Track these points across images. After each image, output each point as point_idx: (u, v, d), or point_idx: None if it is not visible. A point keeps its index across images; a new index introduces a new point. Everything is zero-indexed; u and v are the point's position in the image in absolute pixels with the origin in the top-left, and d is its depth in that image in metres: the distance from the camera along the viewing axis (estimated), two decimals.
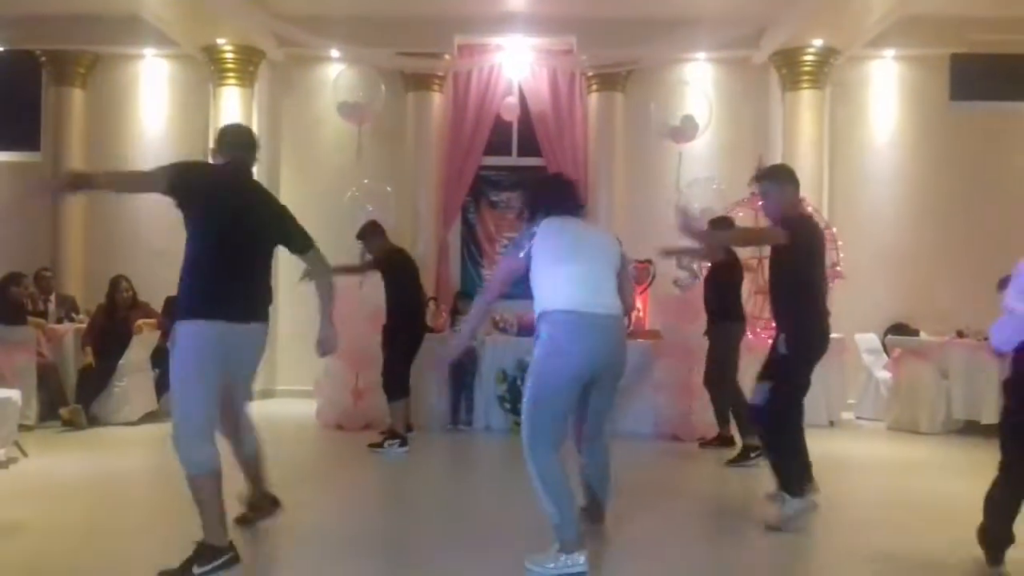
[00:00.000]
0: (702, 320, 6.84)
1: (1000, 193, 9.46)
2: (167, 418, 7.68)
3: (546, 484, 3.61)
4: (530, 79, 9.77)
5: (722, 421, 6.78)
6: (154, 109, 10.07)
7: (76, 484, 5.40)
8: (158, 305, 8.25)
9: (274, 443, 4.52)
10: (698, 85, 9.63)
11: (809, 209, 7.84)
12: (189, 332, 3.58)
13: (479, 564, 3.87)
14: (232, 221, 3.64)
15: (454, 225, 10.02)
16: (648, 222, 9.48)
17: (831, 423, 8.12)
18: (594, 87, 9.82)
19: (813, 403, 7.21)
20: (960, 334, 8.16)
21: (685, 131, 8.94)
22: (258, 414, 4.03)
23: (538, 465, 3.62)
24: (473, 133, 9.78)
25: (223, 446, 3.78)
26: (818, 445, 5.14)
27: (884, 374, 8.72)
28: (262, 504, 4.09)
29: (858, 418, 8.78)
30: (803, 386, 4.63)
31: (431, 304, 8.65)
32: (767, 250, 5.43)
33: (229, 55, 9.47)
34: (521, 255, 3.79)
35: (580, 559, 3.56)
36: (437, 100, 9.87)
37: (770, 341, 4.70)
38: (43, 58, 9.98)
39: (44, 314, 8.39)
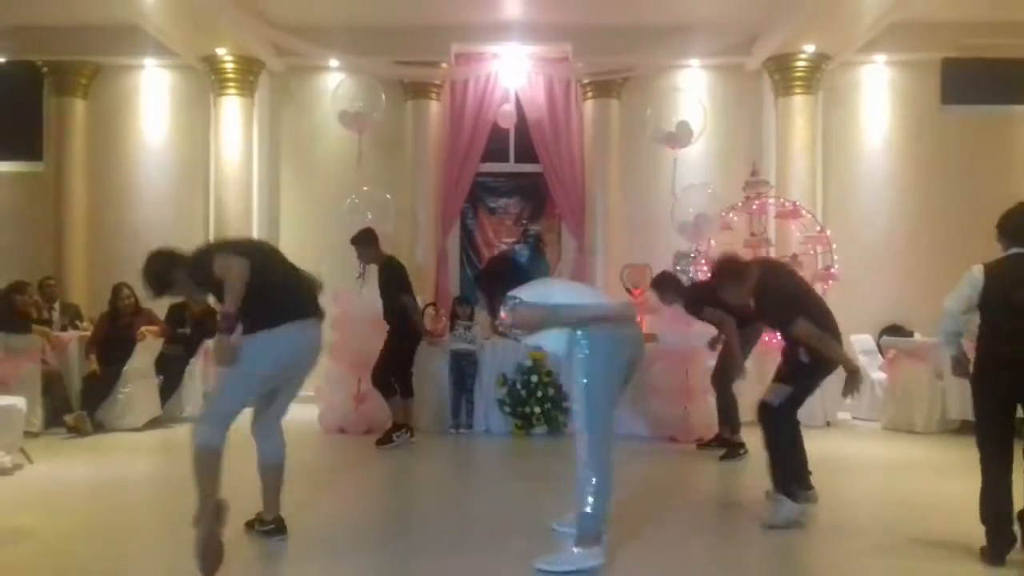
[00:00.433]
0: (698, 323, 6.90)
1: (992, 195, 9.45)
2: (171, 424, 7.88)
3: (608, 476, 3.81)
4: (526, 87, 9.86)
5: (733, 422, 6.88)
6: (155, 119, 10.16)
7: (81, 490, 5.46)
8: (161, 312, 8.32)
9: None
10: (692, 92, 9.72)
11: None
12: (269, 339, 3.88)
13: (480, 566, 3.93)
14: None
15: (453, 231, 10.10)
16: (644, 227, 9.60)
17: (827, 423, 8.19)
18: (590, 94, 9.91)
19: (809, 404, 7.25)
20: None
21: (680, 137, 9.03)
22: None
23: (607, 457, 3.82)
24: (471, 140, 9.86)
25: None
26: (814, 445, 5.21)
27: (879, 375, 8.79)
28: (270, 523, 4.18)
29: (854, 418, 8.84)
30: (812, 390, 4.89)
31: (430, 309, 8.71)
32: None
33: (229, 65, 9.56)
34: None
35: (598, 550, 3.76)
36: (435, 108, 9.95)
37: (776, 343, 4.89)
38: (45, 69, 10.07)
39: (48, 322, 8.45)
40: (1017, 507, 3.95)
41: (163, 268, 3.99)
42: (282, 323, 3.87)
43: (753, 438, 6.76)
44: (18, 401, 6.03)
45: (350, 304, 7.71)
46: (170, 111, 10.14)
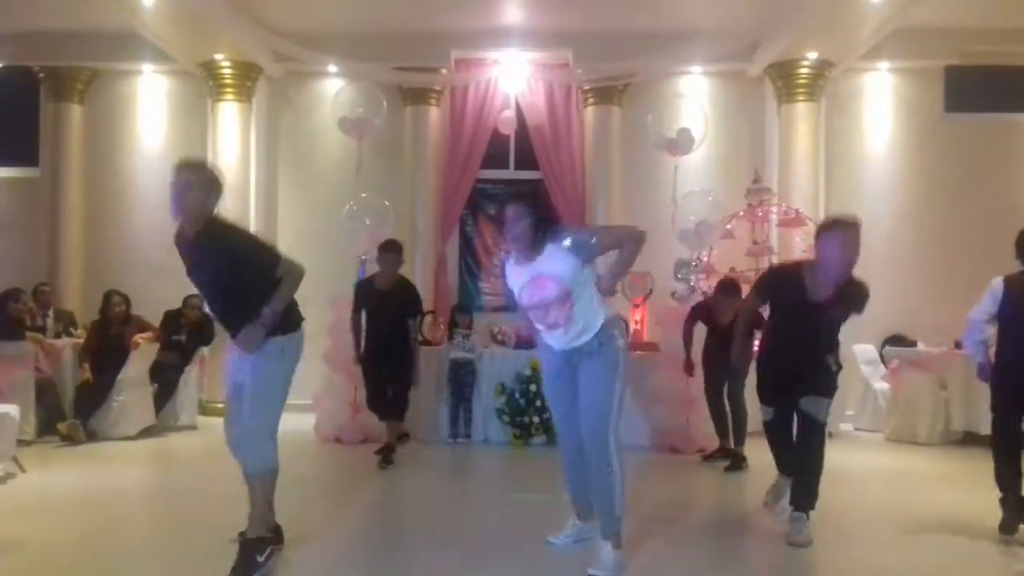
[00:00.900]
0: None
1: (996, 204, 9.48)
2: (165, 432, 7.80)
3: (623, 478, 3.87)
4: (527, 93, 9.81)
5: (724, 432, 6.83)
6: (152, 125, 10.11)
7: (74, 499, 5.38)
8: (156, 319, 8.26)
9: None
10: (694, 98, 9.67)
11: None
12: (299, 340, 3.97)
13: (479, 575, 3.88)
14: None
15: (452, 238, 10.04)
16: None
17: (830, 434, 8.02)
18: (590, 100, 9.86)
19: None
20: (958, 345, 8.14)
21: (681, 144, 8.97)
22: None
23: (621, 461, 3.86)
24: (470, 147, 9.81)
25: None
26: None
27: (882, 385, 8.73)
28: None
29: (856, 429, 8.78)
30: None
31: (428, 317, 8.65)
32: None
33: (227, 71, 9.51)
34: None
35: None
36: (434, 114, 9.90)
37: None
38: (42, 74, 10.02)
39: (43, 329, 8.40)
40: None
41: (217, 184, 3.90)
42: (301, 323, 4.00)
43: (755, 451, 6.72)
44: (11, 409, 5.97)
45: (347, 311, 7.62)
46: (167, 117, 10.09)
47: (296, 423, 8.15)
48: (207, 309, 4.14)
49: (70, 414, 7.68)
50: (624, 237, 3.97)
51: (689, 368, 6.90)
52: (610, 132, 9.82)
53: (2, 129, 10.28)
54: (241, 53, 9.34)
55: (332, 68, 9.67)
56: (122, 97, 10.18)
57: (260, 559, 3.74)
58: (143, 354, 7.87)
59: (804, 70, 9.31)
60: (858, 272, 4.55)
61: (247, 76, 9.64)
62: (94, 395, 7.62)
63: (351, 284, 7.30)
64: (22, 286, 8.28)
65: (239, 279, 3.78)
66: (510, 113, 9.66)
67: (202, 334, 8.37)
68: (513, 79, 9.77)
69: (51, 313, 8.77)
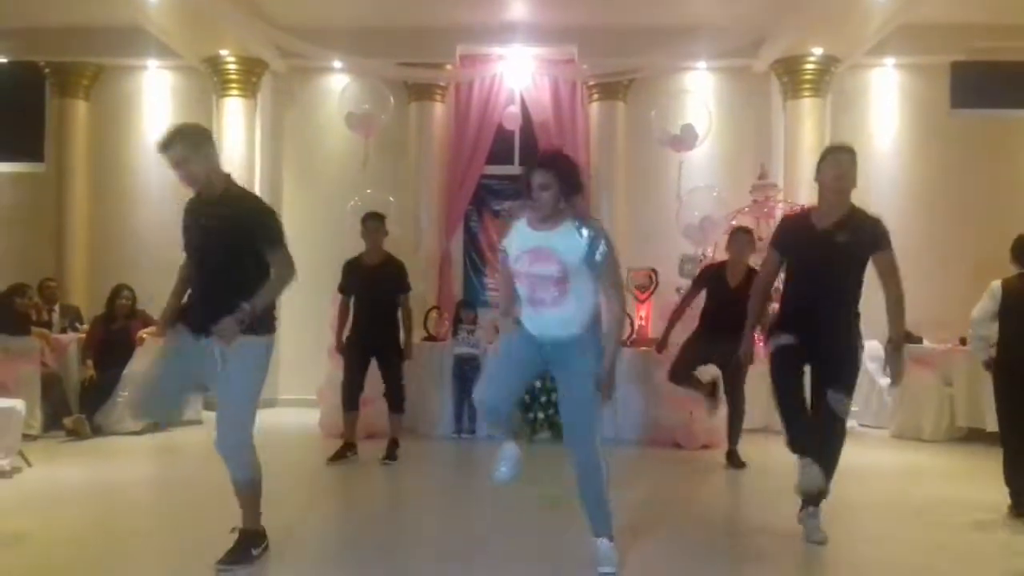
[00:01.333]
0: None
1: (1002, 200, 9.46)
2: (170, 427, 7.80)
3: (608, 475, 3.83)
4: (532, 88, 9.79)
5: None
6: (157, 120, 10.08)
7: (79, 494, 5.40)
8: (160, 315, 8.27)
9: (277, 452, 4.52)
10: (699, 94, 9.65)
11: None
12: (271, 345, 3.98)
13: (482, 572, 3.87)
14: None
15: (456, 234, 10.03)
16: (650, 230, 9.51)
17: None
18: (595, 96, 9.84)
19: None
20: (963, 341, 8.12)
21: (685, 140, 8.95)
22: (261, 423, 4.02)
23: (606, 460, 3.83)
24: (475, 142, 9.80)
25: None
26: None
27: (887, 382, 8.70)
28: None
29: (861, 425, 8.75)
30: None
31: (433, 313, 8.66)
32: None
33: (232, 66, 9.51)
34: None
35: None
36: (439, 110, 9.89)
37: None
38: (47, 70, 10.04)
39: (48, 324, 8.42)
40: None
41: (202, 136, 3.87)
42: (275, 329, 3.97)
43: (751, 448, 6.73)
44: (17, 404, 6.00)
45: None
46: (172, 112, 10.07)
47: (301, 418, 8.22)
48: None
49: (76, 409, 7.69)
50: (616, 289, 3.84)
51: (662, 346, 6.78)
52: (615, 128, 9.80)
53: (8, 125, 10.29)
54: (246, 49, 9.34)
55: (337, 64, 9.66)
56: (127, 93, 10.19)
57: (254, 552, 3.82)
58: (148, 350, 7.87)
59: (810, 66, 9.28)
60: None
61: (252, 72, 9.64)
62: (100, 390, 7.64)
63: None
64: (28, 281, 8.28)
65: (240, 248, 3.78)
66: (515, 109, 9.65)
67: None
68: (518, 75, 9.76)
69: (57, 308, 8.79)
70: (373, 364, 6.67)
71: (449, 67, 9.73)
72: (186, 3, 8.17)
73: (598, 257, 3.63)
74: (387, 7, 8.97)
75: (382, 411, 7.01)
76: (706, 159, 9.63)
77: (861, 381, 8.65)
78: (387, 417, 6.81)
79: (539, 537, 4.37)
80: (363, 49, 9.27)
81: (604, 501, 3.84)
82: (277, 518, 4.14)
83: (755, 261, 6.56)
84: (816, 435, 4.35)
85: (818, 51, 9.14)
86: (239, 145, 9.57)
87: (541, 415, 7.54)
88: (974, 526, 4.73)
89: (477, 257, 10.21)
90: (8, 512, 4.86)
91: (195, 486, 5.61)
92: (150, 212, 9.85)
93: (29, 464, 5.99)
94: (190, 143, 3.79)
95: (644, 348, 7.70)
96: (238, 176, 9.77)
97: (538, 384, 7.51)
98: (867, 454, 7.37)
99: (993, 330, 5.24)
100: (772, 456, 6.49)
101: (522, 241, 3.76)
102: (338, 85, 9.56)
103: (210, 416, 8.39)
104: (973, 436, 7.70)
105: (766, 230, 8.91)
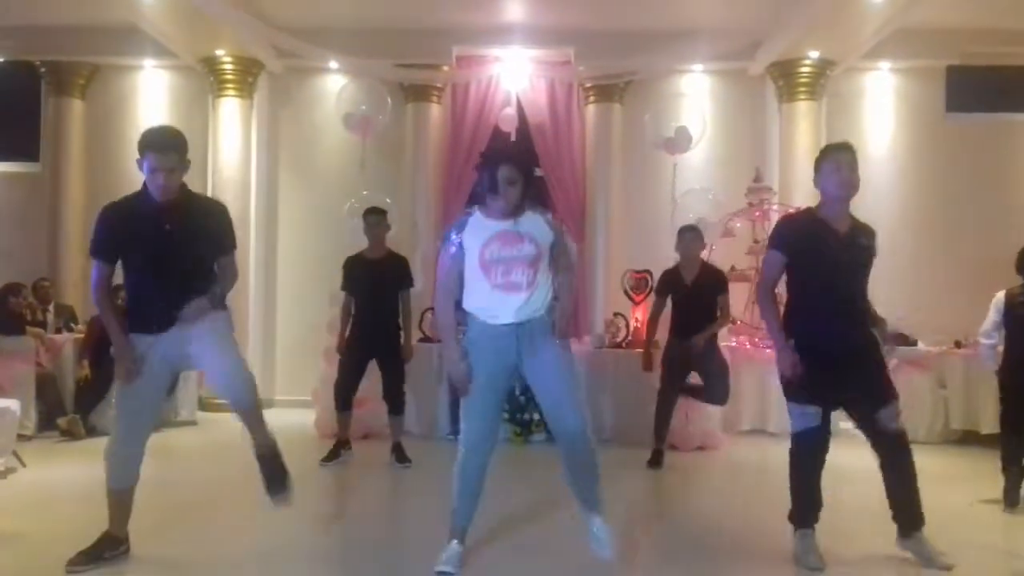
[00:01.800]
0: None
1: (996, 204, 9.50)
2: (165, 428, 7.80)
3: None
4: (528, 90, 9.79)
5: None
6: (153, 120, 9.97)
7: (74, 494, 5.37)
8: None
9: None
10: (695, 97, 9.67)
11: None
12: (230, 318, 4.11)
13: (480, 574, 3.87)
14: None
15: None
16: (645, 232, 9.52)
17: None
18: (592, 98, 9.85)
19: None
20: (958, 344, 8.18)
21: (679, 142, 8.97)
22: None
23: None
24: (471, 144, 9.79)
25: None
26: None
27: None
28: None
29: (856, 428, 8.75)
30: None
31: (429, 314, 8.63)
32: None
33: (228, 66, 9.50)
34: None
35: None
36: (436, 111, 9.90)
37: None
38: (43, 69, 10.01)
39: (43, 324, 8.39)
40: None
41: (183, 141, 3.88)
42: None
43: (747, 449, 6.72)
44: (11, 404, 5.99)
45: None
46: (168, 112, 10.06)
47: (296, 419, 8.20)
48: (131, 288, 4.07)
49: (70, 409, 7.68)
50: (569, 268, 4.02)
51: (648, 363, 6.79)
52: (611, 130, 9.81)
53: (3, 124, 10.26)
54: (242, 49, 9.34)
55: (333, 64, 9.66)
56: (123, 92, 10.17)
57: (107, 555, 3.87)
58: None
59: (805, 69, 9.31)
60: None
61: (248, 72, 9.63)
62: (94, 390, 7.62)
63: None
64: (22, 281, 8.27)
65: (209, 245, 3.92)
66: (511, 110, 9.65)
67: None
68: (514, 76, 9.76)
69: (51, 308, 8.76)
70: (372, 365, 6.64)
71: (446, 68, 9.73)
72: (182, 2, 8.16)
73: (569, 244, 3.89)
74: (384, 8, 8.98)
75: (378, 412, 7.01)
76: (702, 162, 9.66)
77: None
78: (387, 420, 6.76)
79: (537, 538, 4.37)
80: (360, 50, 9.27)
81: (596, 474, 3.85)
82: (273, 519, 4.13)
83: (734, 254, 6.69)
84: (886, 462, 4.17)
85: (814, 54, 9.16)
86: (235, 146, 9.57)
87: (536, 416, 7.52)
88: (969, 528, 4.73)
89: None
90: (2, 512, 4.84)
91: (189, 485, 5.60)
92: None
93: (23, 464, 5.97)
94: (185, 152, 3.84)
95: (639, 350, 7.69)
96: (234, 177, 9.85)
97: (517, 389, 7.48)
98: (861, 456, 7.31)
99: (1001, 338, 5.56)
100: (769, 457, 6.51)
101: (484, 231, 3.79)
102: (335, 86, 9.56)
103: (206, 417, 8.46)
104: (967, 438, 7.72)
105: (762, 233, 8.95)
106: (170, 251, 3.82)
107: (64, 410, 7.70)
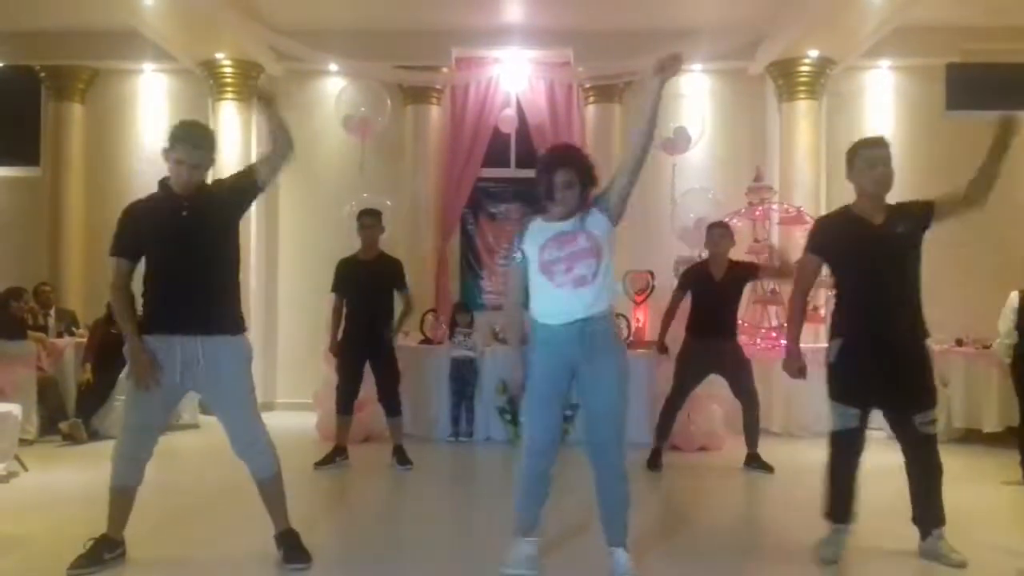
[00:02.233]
0: None
1: (996, 201, 9.33)
2: (167, 431, 7.74)
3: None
4: (528, 91, 9.80)
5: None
6: (153, 123, 10.09)
7: (76, 498, 5.38)
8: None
9: None
10: (694, 96, 9.66)
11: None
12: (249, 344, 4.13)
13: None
14: None
15: (453, 237, 10.03)
16: (645, 233, 9.50)
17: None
18: (591, 99, 9.85)
19: (815, 412, 7.23)
20: (960, 342, 8.17)
21: (677, 143, 8.97)
22: None
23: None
24: (471, 145, 9.80)
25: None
26: (820, 454, 5.12)
27: None
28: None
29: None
30: None
31: (429, 315, 8.64)
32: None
33: (228, 70, 9.51)
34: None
35: None
36: (435, 113, 9.90)
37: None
38: (42, 73, 10.02)
39: (44, 328, 8.40)
40: None
41: (214, 140, 4.04)
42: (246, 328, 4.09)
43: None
44: (13, 408, 5.98)
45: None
46: (168, 116, 10.04)
47: (297, 422, 8.20)
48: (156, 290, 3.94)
49: (72, 413, 7.68)
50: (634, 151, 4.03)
51: (662, 347, 6.79)
52: (611, 130, 9.81)
53: (3, 128, 10.26)
54: (242, 52, 9.34)
55: (333, 67, 9.66)
56: (123, 96, 10.19)
57: (107, 556, 3.86)
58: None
59: (805, 68, 9.30)
60: None
61: (248, 75, 9.63)
62: (96, 394, 7.63)
63: None
64: (23, 285, 8.27)
65: (227, 243, 3.98)
66: (511, 111, 9.65)
67: None
68: (514, 77, 9.77)
69: (52, 312, 8.77)
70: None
71: (445, 70, 9.73)
72: (182, 6, 8.17)
73: (614, 192, 3.91)
74: (383, 10, 8.97)
75: (378, 415, 7.00)
76: (702, 161, 9.66)
77: None
78: (385, 423, 6.74)
79: (540, 542, 4.36)
80: (359, 52, 9.27)
81: (625, 510, 3.77)
82: (272, 522, 4.12)
83: (735, 254, 6.67)
84: (912, 459, 4.26)
85: (813, 53, 9.15)
86: (235, 148, 9.56)
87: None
88: (972, 527, 4.73)
89: (474, 260, 10.20)
90: (4, 517, 4.84)
91: (191, 489, 5.60)
92: None
93: (25, 469, 5.98)
94: (213, 150, 4.03)
95: (641, 351, 7.69)
96: None
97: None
98: (866, 455, 7.36)
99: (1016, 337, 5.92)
100: (772, 457, 6.50)
101: (541, 235, 3.75)
102: (334, 88, 9.57)
103: (208, 420, 8.44)
104: (970, 436, 7.70)
105: (762, 233, 8.94)
106: (187, 237, 3.83)
107: (66, 414, 7.71)
